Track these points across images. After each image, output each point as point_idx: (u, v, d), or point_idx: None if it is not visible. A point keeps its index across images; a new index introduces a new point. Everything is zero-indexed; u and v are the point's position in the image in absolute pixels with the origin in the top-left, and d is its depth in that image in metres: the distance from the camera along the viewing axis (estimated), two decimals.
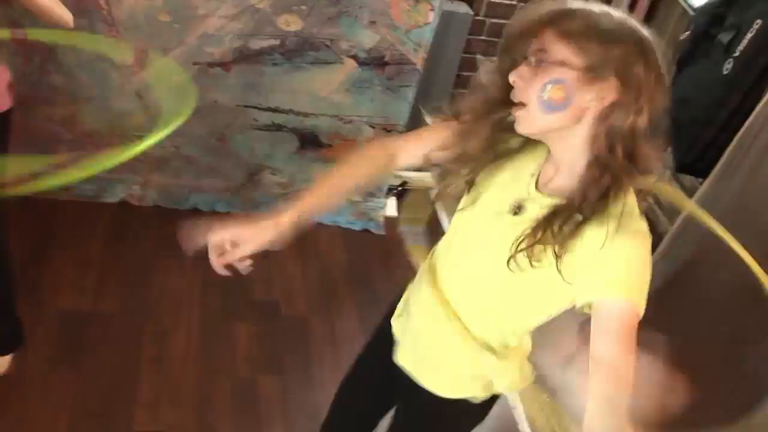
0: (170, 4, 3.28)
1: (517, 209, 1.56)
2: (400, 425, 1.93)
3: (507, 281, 1.56)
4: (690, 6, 3.29)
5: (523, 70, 1.45)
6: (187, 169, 3.80)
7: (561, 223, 1.45)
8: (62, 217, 3.57)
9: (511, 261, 1.50)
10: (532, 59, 1.44)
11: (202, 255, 1.98)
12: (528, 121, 1.46)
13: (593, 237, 1.41)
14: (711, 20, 2.89)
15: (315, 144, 3.82)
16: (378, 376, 1.95)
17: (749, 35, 2.67)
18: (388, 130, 3.81)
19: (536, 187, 1.57)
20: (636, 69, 1.41)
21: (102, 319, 3.11)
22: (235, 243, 1.54)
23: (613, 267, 1.41)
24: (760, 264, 2.18)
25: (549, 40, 1.42)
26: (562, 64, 1.40)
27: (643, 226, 1.45)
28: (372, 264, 3.68)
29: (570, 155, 1.50)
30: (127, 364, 2.95)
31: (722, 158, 2.54)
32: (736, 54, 2.69)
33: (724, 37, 2.77)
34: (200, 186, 3.86)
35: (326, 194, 1.69)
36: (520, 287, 1.56)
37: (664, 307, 2.47)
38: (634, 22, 1.47)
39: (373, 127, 3.81)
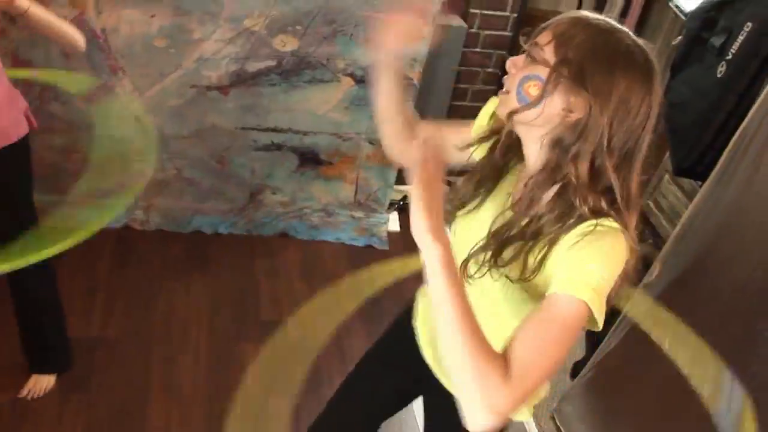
0: (166, 30, 3.33)
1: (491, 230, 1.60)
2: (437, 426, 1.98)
3: (494, 297, 1.57)
4: (681, 11, 3.32)
5: (518, 59, 1.48)
6: (188, 191, 3.85)
7: (531, 243, 1.45)
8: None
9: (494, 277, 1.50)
10: (528, 52, 1.47)
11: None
12: (504, 105, 1.48)
13: (563, 243, 1.41)
14: (703, 24, 2.88)
15: (315, 162, 3.87)
16: (398, 374, 1.98)
17: (741, 38, 2.66)
18: (380, 142, 3.78)
19: (511, 204, 1.59)
20: (613, 99, 1.40)
21: (110, 344, 3.17)
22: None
23: (572, 265, 1.39)
24: (761, 265, 2.26)
25: (545, 39, 1.44)
26: (546, 63, 1.42)
27: (615, 229, 1.41)
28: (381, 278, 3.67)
29: (533, 159, 1.52)
30: (137, 389, 3.00)
31: (720, 161, 2.49)
32: (729, 57, 2.69)
33: (717, 41, 2.77)
34: (202, 208, 3.91)
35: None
36: (510, 301, 1.56)
37: (671, 309, 2.54)
38: (647, 58, 1.45)
39: (373, 144, 3.84)
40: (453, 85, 4.50)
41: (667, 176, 3.24)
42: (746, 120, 2.41)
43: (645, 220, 3.32)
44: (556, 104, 1.43)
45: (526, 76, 1.46)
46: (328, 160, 3.87)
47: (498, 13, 4.35)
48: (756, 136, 2.35)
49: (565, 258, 1.41)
